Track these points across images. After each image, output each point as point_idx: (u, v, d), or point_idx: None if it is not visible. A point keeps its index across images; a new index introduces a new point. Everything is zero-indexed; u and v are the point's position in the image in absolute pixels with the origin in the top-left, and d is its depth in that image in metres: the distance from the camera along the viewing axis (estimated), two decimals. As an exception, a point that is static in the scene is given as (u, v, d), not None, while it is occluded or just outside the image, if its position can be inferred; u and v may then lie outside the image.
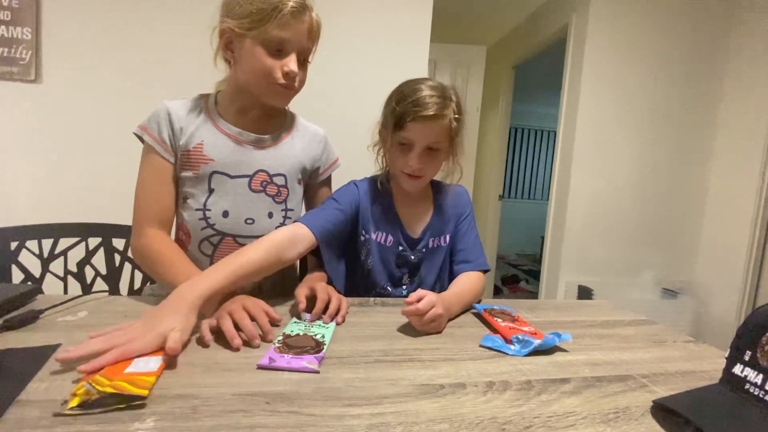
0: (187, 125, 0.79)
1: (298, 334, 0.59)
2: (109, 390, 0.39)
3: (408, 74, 0.88)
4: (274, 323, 0.62)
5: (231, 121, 0.82)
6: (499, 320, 0.69)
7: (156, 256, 0.74)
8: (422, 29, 1.84)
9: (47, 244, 0.95)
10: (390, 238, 0.88)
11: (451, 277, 0.89)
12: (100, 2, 1.57)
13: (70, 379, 0.44)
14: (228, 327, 0.56)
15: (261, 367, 0.50)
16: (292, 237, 0.74)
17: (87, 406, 0.38)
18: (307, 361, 0.51)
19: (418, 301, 0.63)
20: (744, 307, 2.12)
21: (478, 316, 0.76)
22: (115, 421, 0.37)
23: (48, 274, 0.94)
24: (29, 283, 0.90)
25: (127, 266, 1.03)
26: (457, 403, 0.45)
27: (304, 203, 0.95)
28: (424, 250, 0.90)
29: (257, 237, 0.75)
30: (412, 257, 0.89)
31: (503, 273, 4.07)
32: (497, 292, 3.66)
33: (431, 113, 0.77)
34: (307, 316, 0.66)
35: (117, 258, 1.01)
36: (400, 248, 0.88)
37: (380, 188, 0.90)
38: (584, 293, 2.17)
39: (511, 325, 0.68)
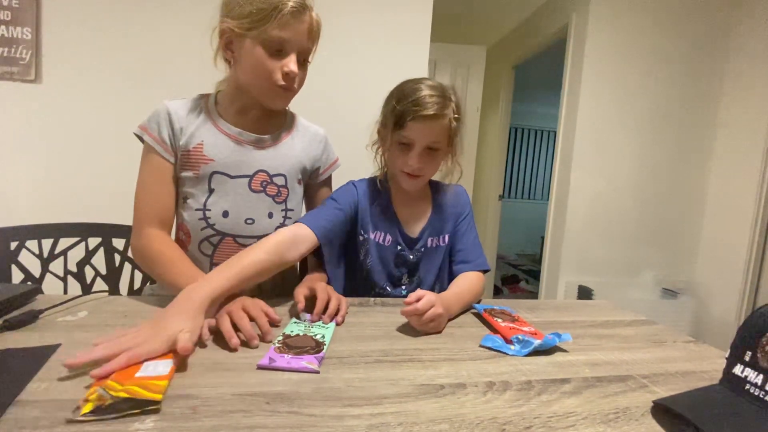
0: (187, 125, 0.79)
1: (298, 335, 0.59)
2: (123, 395, 0.39)
3: (408, 74, 0.88)
4: (273, 324, 0.62)
5: (231, 121, 0.82)
6: (499, 320, 0.69)
7: (156, 256, 0.74)
8: (422, 29, 1.84)
9: (47, 244, 0.95)
10: (388, 237, 0.88)
11: (451, 277, 0.88)
12: (100, 2, 1.57)
13: (70, 380, 0.44)
14: (226, 327, 0.56)
15: (261, 367, 0.50)
16: (294, 237, 0.74)
17: (100, 411, 0.38)
18: (307, 361, 0.51)
19: (417, 301, 0.63)
20: (744, 307, 2.12)
21: (478, 316, 0.76)
22: (114, 421, 0.37)
23: (48, 274, 0.94)
24: (29, 283, 0.90)
25: (127, 266, 1.03)
26: (457, 404, 0.45)
27: (304, 203, 0.95)
28: (422, 249, 0.90)
29: (257, 237, 0.75)
30: (411, 257, 0.89)
31: (503, 273, 4.07)
32: (497, 292, 3.66)
33: (432, 113, 0.77)
34: (307, 315, 0.66)
35: (117, 258, 1.01)
36: (399, 248, 0.88)
37: (379, 188, 0.90)
38: (584, 293, 2.17)
39: (511, 325, 0.68)
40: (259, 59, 0.73)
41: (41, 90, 1.56)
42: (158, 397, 0.40)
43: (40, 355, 0.48)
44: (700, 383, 0.50)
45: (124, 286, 1.02)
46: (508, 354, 0.59)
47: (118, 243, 1.02)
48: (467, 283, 0.83)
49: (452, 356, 0.58)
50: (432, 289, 0.78)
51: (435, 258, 0.91)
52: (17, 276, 0.92)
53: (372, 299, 0.82)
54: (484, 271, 0.88)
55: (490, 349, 0.61)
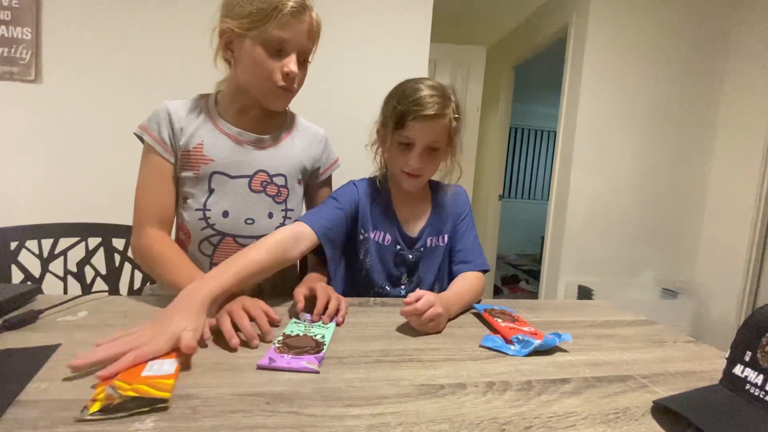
0: (187, 125, 0.79)
1: (298, 335, 0.59)
2: (132, 394, 0.39)
3: (408, 74, 0.88)
4: (273, 324, 0.62)
5: (231, 121, 0.82)
6: (499, 320, 0.69)
7: (156, 256, 0.74)
8: (422, 29, 1.84)
9: (47, 244, 0.95)
10: (388, 237, 0.88)
11: (451, 277, 0.88)
12: (100, 2, 1.57)
13: (71, 380, 0.44)
14: (227, 327, 0.56)
15: (261, 368, 0.50)
16: (295, 236, 0.74)
17: (109, 410, 0.38)
18: (307, 361, 0.51)
19: (417, 300, 0.63)
20: (744, 307, 2.12)
21: (478, 316, 0.76)
22: (114, 421, 0.37)
23: (48, 274, 0.94)
24: (29, 283, 0.90)
25: (127, 266, 1.03)
26: (457, 404, 0.45)
27: (304, 203, 0.95)
28: (422, 249, 0.90)
29: (257, 237, 0.75)
30: (410, 256, 0.89)
31: (503, 273, 4.07)
32: (497, 292, 3.66)
33: (432, 112, 0.77)
34: (306, 315, 0.66)
35: (117, 258, 1.01)
36: (398, 247, 0.88)
37: (379, 188, 0.90)
38: (584, 293, 2.17)
39: (511, 325, 0.68)
40: (259, 59, 0.73)
41: (41, 90, 1.56)
42: (167, 395, 0.40)
43: (40, 355, 0.48)
44: (700, 383, 0.50)
45: (124, 286, 1.02)
46: (508, 354, 0.59)
47: (118, 243, 1.02)
48: (467, 283, 0.83)
49: (452, 356, 0.57)
50: (431, 289, 0.78)
51: (434, 258, 0.91)
52: (17, 276, 0.92)
53: (372, 299, 0.82)
54: (484, 271, 0.88)
55: (490, 349, 0.61)
